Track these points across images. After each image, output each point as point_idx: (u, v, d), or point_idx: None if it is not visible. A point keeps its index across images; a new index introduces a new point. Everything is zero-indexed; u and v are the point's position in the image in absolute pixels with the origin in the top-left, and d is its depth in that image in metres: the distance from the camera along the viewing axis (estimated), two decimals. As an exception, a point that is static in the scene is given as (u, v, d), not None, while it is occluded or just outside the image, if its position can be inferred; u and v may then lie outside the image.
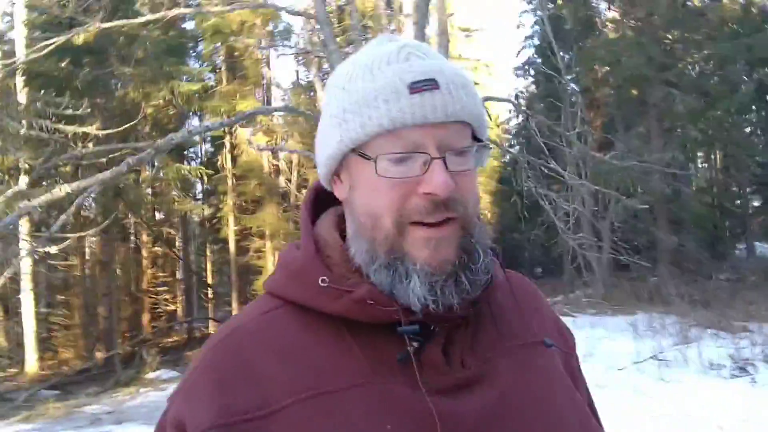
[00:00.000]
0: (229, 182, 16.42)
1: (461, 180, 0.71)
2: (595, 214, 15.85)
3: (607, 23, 19.19)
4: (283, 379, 0.69)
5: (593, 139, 19.98)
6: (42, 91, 10.86)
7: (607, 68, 17.22)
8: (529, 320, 0.83)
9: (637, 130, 17.39)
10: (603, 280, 17.03)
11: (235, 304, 16.82)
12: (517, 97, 28.10)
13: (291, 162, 15.52)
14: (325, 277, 0.72)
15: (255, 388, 0.69)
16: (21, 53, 12.21)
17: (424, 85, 0.70)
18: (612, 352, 8.78)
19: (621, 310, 14.30)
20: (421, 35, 6.93)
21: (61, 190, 4.33)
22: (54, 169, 11.96)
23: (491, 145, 0.82)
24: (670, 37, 16.65)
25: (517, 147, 22.74)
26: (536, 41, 25.04)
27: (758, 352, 7.77)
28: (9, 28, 13.13)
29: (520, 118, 28.15)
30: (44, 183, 12.32)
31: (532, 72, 26.07)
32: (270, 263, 15.32)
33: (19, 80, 11.42)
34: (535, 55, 25.70)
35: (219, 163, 16.75)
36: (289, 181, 15.89)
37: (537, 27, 24.14)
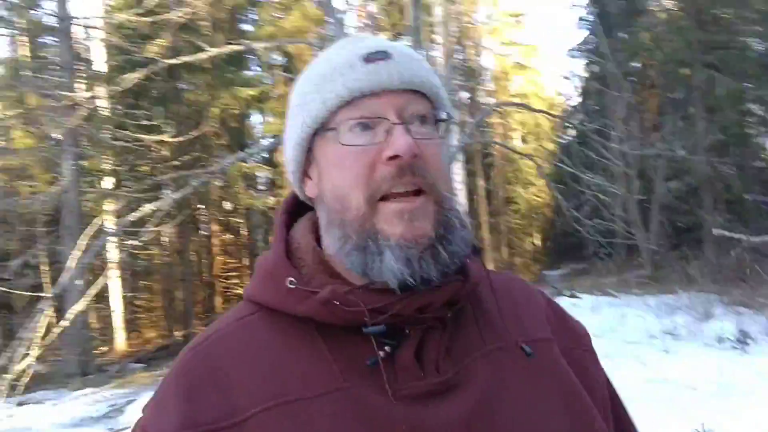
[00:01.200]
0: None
1: (425, 148, 0.70)
2: (643, 195, 16.25)
3: (653, 6, 19.28)
4: (251, 386, 0.68)
5: (646, 119, 20.22)
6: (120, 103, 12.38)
7: (651, 51, 17.44)
8: (512, 322, 0.79)
9: (684, 112, 17.55)
10: (651, 261, 17.39)
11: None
12: (568, 78, 28.40)
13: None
14: (292, 279, 0.71)
15: (223, 397, 0.67)
16: (102, 67, 13.86)
17: (378, 56, 0.72)
18: (636, 328, 9.53)
19: (665, 290, 14.75)
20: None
21: (143, 209, 5.49)
22: (133, 171, 13.55)
23: (453, 120, 0.82)
24: (713, 17, 16.72)
25: (571, 131, 23.08)
26: (589, 22, 25.12)
27: (763, 328, 8.36)
28: (87, 47, 14.76)
29: (574, 101, 28.37)
30: (126, 183, 14.01)
31: (585, 54, 26.13)
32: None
33: (103, 92, 12.98)
34: (591, 36, 25.78)
35: (276, 158, 18.15)
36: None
37: (590, 8, 24.24)
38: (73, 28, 12.25)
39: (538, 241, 30.42)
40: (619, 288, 15.31)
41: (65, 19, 11.35)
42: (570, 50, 26.56)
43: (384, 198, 0.69)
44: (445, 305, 0.71)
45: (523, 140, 27.56)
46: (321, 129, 0.73)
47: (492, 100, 25.89)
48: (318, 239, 0.76)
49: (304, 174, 0.78)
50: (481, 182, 24.62)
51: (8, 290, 8.41)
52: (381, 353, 0.68)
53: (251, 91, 14.92)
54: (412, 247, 0.68)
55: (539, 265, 27.70)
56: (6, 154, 12.35)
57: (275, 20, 15.67)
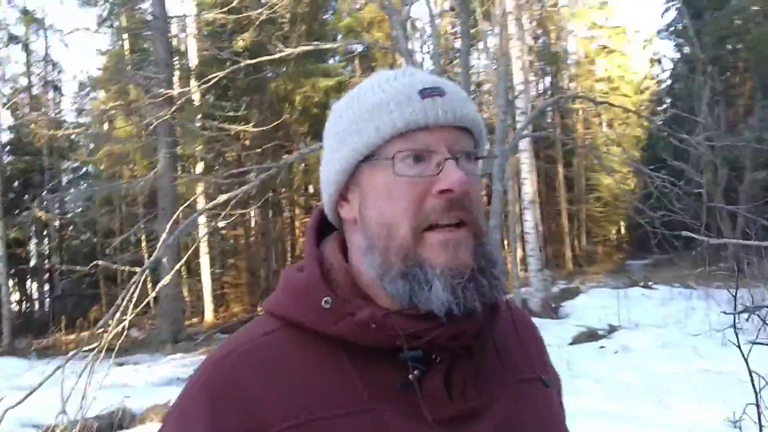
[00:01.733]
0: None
1: (471, 185, 0.72)
2: (728, 186, 15.73)
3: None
4: (277, 403, 0.68)
5: (738, 105, 19.31)
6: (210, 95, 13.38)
7: (739, 35, 16.72)
8: (529, 354, 0.82)
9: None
10: (735, 255, 16.81)
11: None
12: (659, 61, 27.31)
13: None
14: (328, 298, 0.71)
15: (248, 412, 0.68)
16: (194, 61, 14.96)
17: (433, 91, 0.73)
18: (701, 321, 9.51)
19: (747, 284, 14.32)
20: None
21: (222, 197, 6.14)
22: (221, 158, 14.60)
23: (489, 156, 0.93)
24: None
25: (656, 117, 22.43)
26: (677, 3, 24.11)
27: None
28: (182, 42, 15.90)
29: (660, 86, 27.34)
30: (215, 167, 15.12)
31: (673, 37, 25.13)
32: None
33: (194, 85, 14.04)
34: (678, 17, 24.76)
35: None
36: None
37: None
38: (170, 26, 13.33)
39: (622, 230, 29.68)
40: (701, 280, 14.98)
41: (161, 18, 12.38)
42: (659, 32, 25.52)
43: (428, 228, 0.70)
44: (473, 335, 0.73)
45: (609, 125, 26.90)
46: (371, 157, 0.74)
47: (572, 86, 25.45)
48: (346, 259, 0.77)
49: (341, 197, 0.78)
50: (560, 169, 24.36)
51: (111, 264, 9.49)
52: (412, 376, 0.68)
53: (330, 81, 15.63)
54: (457, 278, 0.69)
55: (623, 254, 27.09)
56: (109, 141, 13.64)
57: (353, 11, 16.23)
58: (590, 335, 9.34)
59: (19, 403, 4.28)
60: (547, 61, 25.66)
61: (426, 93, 0.73)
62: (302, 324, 0.73)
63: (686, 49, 21.31)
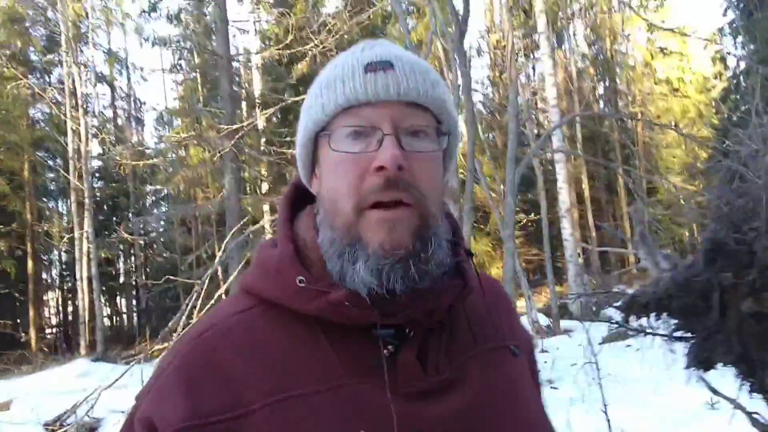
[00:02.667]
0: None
1: (417, 162, 0.71)
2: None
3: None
4: (255, 380, 0.69)
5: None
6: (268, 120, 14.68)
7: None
8: (500, 324, 0.83)
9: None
10: None
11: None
12: (723, 60, 26.75)
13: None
14: (302, 277, 0.71)
15: (226, 389, 0.68)
16: (257, 92, 16.38)
17: (379, 66, 0.72)
18: None
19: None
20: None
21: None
22: (283, 178, 15.91)
23: (458, 137, 0.81)
24: None
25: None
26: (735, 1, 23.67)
27: None
28: (248, 74, 17.36)
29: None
30: (279, 188, 16.45)
31: (734, 35, 24.67)
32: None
33: (258, 114, 15.39)
34: (737, 16, 24.30)
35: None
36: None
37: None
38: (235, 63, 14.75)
39: (688, 233, 29.14)
40: None
41: (225, 56, 13.80)
42: (720, 31, 25.11)
43: (372, 206, 0.70)
44: (445, 309, 0.74)
45: (668, 127, 26.60)
46: (321, 132, 0.75)
47: (630, 89, 25.38)
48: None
49: (312, 172, 0.79)
50: (621, 172, 24.34)
51: (187, 279, 10.82)
52: (385, 352, 0.70)
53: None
54: (386, 259, 0.69)
55: (691, 256, 26.62)
56: (183, 167, 15.19)
57: (402, 36, 17.21)
58: (620, 335, 9.85)
59: (106, 388, 5.46)
60: (601, 67, 25.75)
61: (370, 67, 0.72)
62: (277, 302, 0.73)
63: (747, 47, 21.01)
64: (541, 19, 12.55)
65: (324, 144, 0.75)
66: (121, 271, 21.91)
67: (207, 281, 6.11)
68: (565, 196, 12.31)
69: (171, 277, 7.52)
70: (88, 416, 5.65)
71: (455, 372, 0.75)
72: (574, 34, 25.94)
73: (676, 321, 2.21)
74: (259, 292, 0.76)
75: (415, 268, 0.69)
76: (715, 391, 2.29)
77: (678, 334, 2.19)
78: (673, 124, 25.74)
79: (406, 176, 0.70)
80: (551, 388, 7.36)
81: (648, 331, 2.27)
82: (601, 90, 27.21)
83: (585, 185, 21.91)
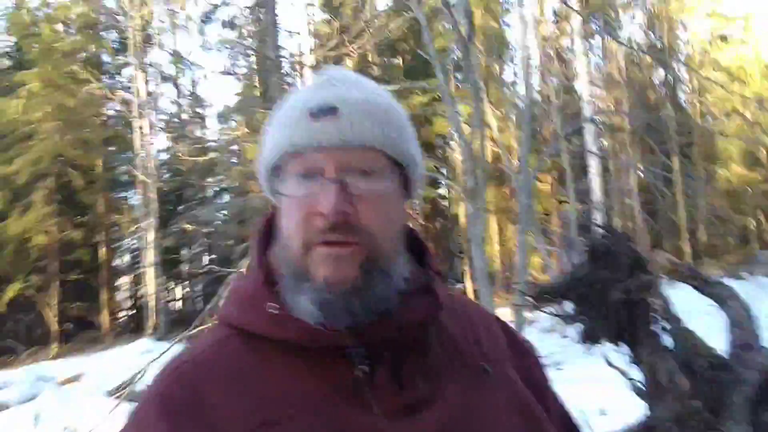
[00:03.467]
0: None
1: (365, 203, 0.72)
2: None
3: None
4: (234, 409, 0.70)
5: None
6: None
7: None
8: (475, 342, 0.84)
9: None
10: None
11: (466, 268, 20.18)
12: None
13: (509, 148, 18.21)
14: (273, 304, 0.73)
15: (206, 422, 0.69)
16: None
17: (322, 113, 0.73)
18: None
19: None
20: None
21: None
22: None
23: (419, 165, 0.82)
24: None
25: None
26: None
27: None
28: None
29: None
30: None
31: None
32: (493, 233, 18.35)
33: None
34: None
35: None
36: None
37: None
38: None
39: (754, 220, 28.25)
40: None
41: (275, 58, 14.66)
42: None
43: (319, 244, 0.72)
44: (415, 327, 0.76)
45: (728, 116, 25.89)
46: (273, 171, 0.78)
47: (687, 78, 24.81)
48: None
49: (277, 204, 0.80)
50: (676, 160, 23.93)
51: (224, 269, 11.73)
52: (360, 373, 0.72)
53: (424, 98, 17.19)
54: (327, 294, 0.71)
55: (757, 244, 25.92)
56: (239, 162, 16.21)
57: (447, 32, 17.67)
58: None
59: (152, 361, 6.31)
60: (656, 57, 25.27)
61: (314, 114, 0.74)
62: (252, 330, 0.75)
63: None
64: (576, 19, 12.75)
65: (277, 183, 0.77)
66: (187, 258, 23.36)
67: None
68: (597, 192, 12.57)
69: (213, 267, 8.35)
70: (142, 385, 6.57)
71: (431, 390, 0.76)
72: (633, 17, 25.59)
73: (574, 307, 2.75)
74: (234, 321, 0.78)
75: (358, 302, 0.71)
76: (609, 363, 2.82)
77: (575, 316, 2.73)
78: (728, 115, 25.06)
79: (352, 219, 0.71)
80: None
81: (554, 313, 2.81)
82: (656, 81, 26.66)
83: (631, 177, 21.68)
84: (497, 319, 0.94)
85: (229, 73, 17.70)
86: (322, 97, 0.76)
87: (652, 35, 25.42)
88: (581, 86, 12.36)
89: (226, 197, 21.26)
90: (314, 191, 0.73)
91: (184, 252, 22.86)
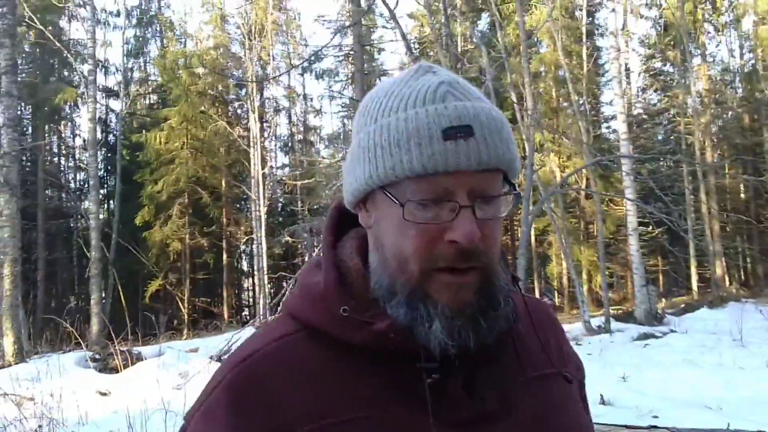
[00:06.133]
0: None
1: (487, 228, 0.70)
2: None
3: None
4: (299, 404, 0.70)
5: None
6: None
7: None
8: (549, 350, 0.82)
9: None
10: None
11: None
12: None
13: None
14: (346, 307, 0.72)
15: (270, 412, 0.70)
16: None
17: (459, 132, 0.68)
18: None
19: None
20: None
21: None
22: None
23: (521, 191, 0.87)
24: None
25: None
26: None
27: None
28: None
29: None
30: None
31: None
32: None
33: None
34: None
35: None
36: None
37: None
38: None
39: None
40: None
41: (360, 99, 17.61)
42: None
43: (439, 269, 0.70)
44: (495, 338, 0.73)
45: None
46: (387, 187, 0.71)
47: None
48: (363, 259, 0.77)
49: (362, 203, 0.76)
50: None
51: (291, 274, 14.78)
52: (428, 381, 0.70)
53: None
54: (455, 319, 0.69)
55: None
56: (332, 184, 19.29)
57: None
58: (647, 335, 11.82)
59: (237, 333, 9.29)
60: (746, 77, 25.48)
61: (450, 134, 0.68)
62: (321, 328, 0.74)
63: None
64: (614, 66, 14.44)
65: (389, 200, 0.71)
66: (294, 264, 26.97)
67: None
68: (632, 218, 14.24)
69: (282, 273, 11.24)
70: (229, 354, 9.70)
71: (503, 401, 0.74)
72: (720, 43, 25.89)
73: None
74: (303, 317, 0.77)
75: (485, 324, 0.70)
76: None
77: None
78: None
79: (479, 246, 0.69)
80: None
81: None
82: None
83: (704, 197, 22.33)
84: (560, 325, 0.93)
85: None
86: (453, 113, 0.70)
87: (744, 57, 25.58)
88: (619, 127, 14.02)
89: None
90: (441, 214, 0.69)
91: (297, 260, 26.49)
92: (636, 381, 7.62)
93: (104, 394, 7.88)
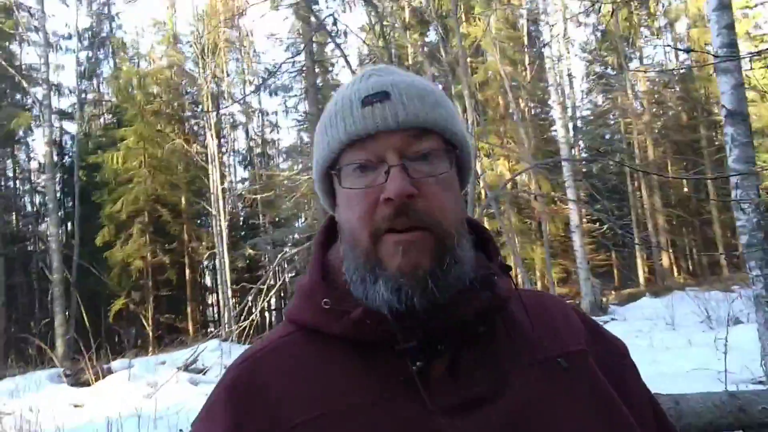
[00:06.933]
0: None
1: (427, 186, 0.72)
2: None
3: None
4: (294, 399, 0.73)
5: None
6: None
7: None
8: (546, 336, 0.81)
9: None
10: None
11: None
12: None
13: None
14: (327, 299, 0.75)
15: (267, 408, 0.73)
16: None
17: (375, 98, 0.74)
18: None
19: None
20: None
21: None
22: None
23: (470, 149, 0.82)
24: None
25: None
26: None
27: None
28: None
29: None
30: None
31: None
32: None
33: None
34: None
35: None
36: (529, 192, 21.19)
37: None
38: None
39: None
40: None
41: (316, 113, 18.19)
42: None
43: (387, 231, 0.72)
44: (476, 320, 0.74)
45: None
46: (330, 168, 0.78)
47: None
48: None
49: (335, 204, 0.82)
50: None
51: (253, 285, 15.14)
52: (414, 368, 0.72)
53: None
54: (403, 278, 0.71)
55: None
56: (290, 196, 19.79)
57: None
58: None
59: (202, 351, 9.78)
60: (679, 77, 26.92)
61: (367, 100, 0.74)
62: (312, 326, 0.78)
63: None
64: (550, 74, 15.44)
65: (336, 179, 0.77)
66: (258, 276, 27.35)
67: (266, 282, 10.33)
68: (575, 215, 15.20)
69: (245, 285, 11.82)
70: (196, 364, 10.15)
71: (493, 385, 0.75)
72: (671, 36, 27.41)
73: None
74: (297, 318, 0.81)
75: (433, 284, 0.71)
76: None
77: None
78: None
79: (418, 203, 0.71)
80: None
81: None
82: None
83: (650, 196, 23.54)
84: (576, 309, 0.91)
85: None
86: (370, 84, 0.77)
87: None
88: (559, 132, 14.99)
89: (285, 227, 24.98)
90: (377, 179, 0.73)
91: (260, 272, 26.84)
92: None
93: (78, 406, 8.31)
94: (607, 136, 28.81)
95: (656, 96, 26.60)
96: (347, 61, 7.40)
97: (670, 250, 24.30)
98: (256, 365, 0.78)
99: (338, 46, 7.65)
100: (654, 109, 26.09)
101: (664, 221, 24.41)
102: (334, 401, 0.72)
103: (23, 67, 22.86)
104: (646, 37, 27.71)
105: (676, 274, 24.72)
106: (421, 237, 0.72)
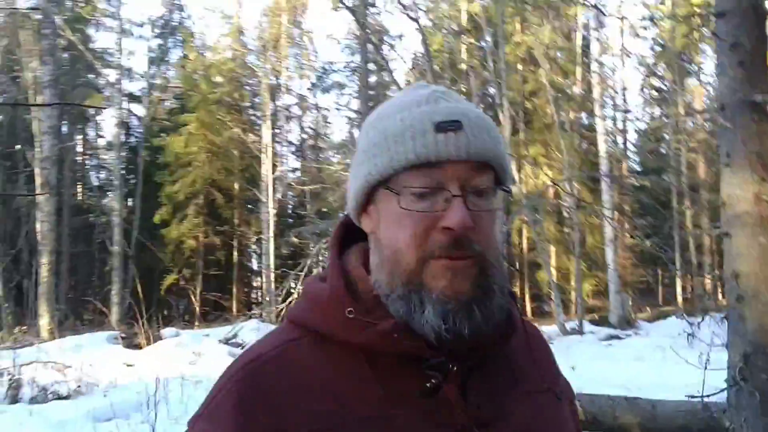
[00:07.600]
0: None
1: (480, 220, 0.74)
2: None
3: None
4: (301, 408, 0.72)
5: None
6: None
7: None
8: (541, 368, 0.86)
9: None
10: None
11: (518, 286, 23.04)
12: None
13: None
14: (351, 309, 0.75)
15: (274, 416, 0.72)
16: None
17: (449, 126, 0.74)
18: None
19: None
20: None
21: None
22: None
23: (510, 193, 0.86)
24: None
25: None
26: None
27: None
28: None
29: None
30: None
31: None
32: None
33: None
34: None
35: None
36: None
37: None
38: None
39: None
40: None
41: (365, 113, 18.91)
42: None
43: (435, 257, 0.73)
44: (488, 343, 0.76)
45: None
46: (385, 182, 0.76)
47: None
48: (367, 268, 0.80)
49: (363, 209, 0.81)
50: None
51: (291, 271, 16.15)
52: (430, 384, 0.73)
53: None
54: (450, 303, 0.72)
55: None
56: (338, 189, 20.60)
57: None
58: (612, 336, 13.12)
59: (244, 322, 10.68)
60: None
61: (441, 127, 0.74)
62: (326, 333, 0.76)
63: None
64: (596, 90, 15.64)
65: (386, 195, 0.77)
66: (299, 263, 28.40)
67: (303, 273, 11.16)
68: (608, 230, 15.50)
69: (285, 270, 12.66)
70: (236, 339, 11.11)
71: (496, 410, 0.77)
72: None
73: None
74: (307, 323, 0.79)
75: (479, 312, 0.72)
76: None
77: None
78: None
79: (471, 235, 0.73)
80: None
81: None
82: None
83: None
84: (551, 350, 0.95)
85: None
86: (444, 110, 0.77)
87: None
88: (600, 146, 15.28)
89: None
90: (434, 205, 0.74)
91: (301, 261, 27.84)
92: (582, 370, 8.89)
93: (130, 365, 9.32)
94: (663, 151, 28.58)
95: (712, 114, 26.21)
96: (393, 78, 8.03)
97: (713, 273, 24.04)
98: (263, 368, 0.76)
99: (388, 67, 8.30)
100: (709, 127, 25.77)
101: (712, 242, 24.15)
102: (343, 413, 0.72)
103: (97, 50, 24.38)
104: (705, 53, 27.37)
105: (720, 297, 24.43)
106: (467, 265, 0.74)
